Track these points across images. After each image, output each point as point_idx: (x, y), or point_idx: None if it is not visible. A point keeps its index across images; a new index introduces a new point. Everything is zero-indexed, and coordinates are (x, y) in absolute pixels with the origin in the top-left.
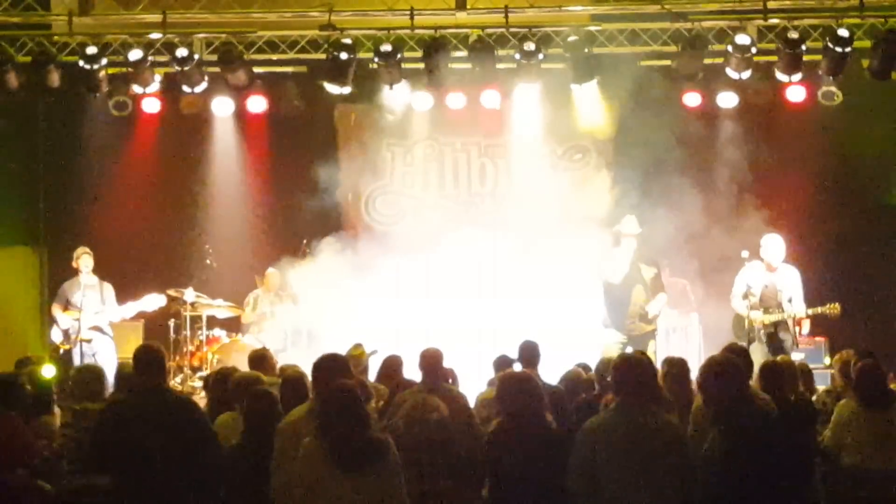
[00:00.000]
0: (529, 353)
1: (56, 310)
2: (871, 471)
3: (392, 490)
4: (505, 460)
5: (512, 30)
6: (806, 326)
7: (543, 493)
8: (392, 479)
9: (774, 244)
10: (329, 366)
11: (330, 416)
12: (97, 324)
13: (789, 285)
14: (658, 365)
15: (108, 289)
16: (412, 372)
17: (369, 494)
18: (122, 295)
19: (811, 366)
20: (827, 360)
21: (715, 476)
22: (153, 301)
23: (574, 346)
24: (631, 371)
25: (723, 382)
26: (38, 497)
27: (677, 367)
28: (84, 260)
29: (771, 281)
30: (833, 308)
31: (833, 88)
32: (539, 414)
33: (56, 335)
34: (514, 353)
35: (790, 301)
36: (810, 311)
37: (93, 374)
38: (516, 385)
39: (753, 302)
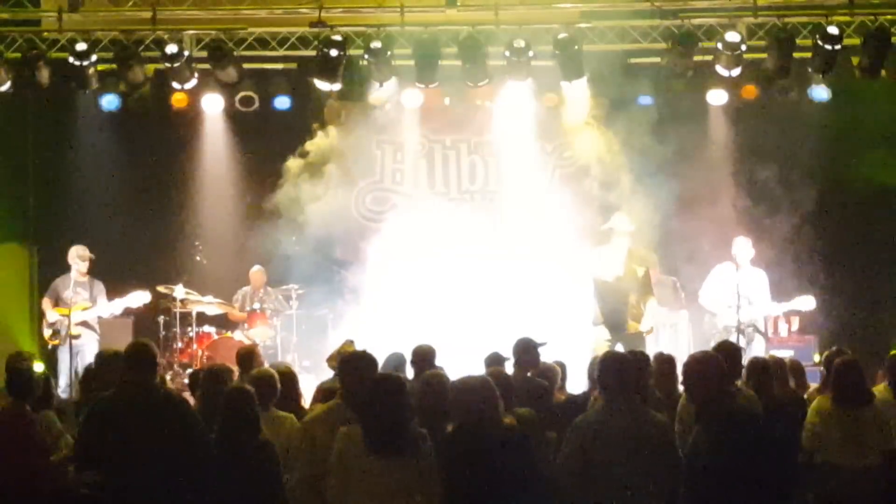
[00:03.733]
0: (523, 352)
1: (46, 304)
2: (843, 467)
3: (426, 479)
4: (458, 465)
5: (502, 27)
6: (795, 324)
7: (503, 494)
8: (427, 470)
9: (744, 245)
10: (358, 363)
11: (375, 402)
12: (85, 319)
13: (756, 286)
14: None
15: (99, 285)
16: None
17: (404, 479)
18: (112, 291)
19: (802, 363)
20: (817, 358)
21: (698, 472)
22: (138, 297)
23: (564, 343)
24: (615, 368)
25: (704, 379)
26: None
27: (665, 363)
28: (78, 257)
29: (741, 281)
30: (806, 301)
31: (823, 86)
32: (492, 416)
33: (46, 330)
34: (507, 349)
35: (757, 301)
36: (786, 308)
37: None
38: (464, 390)
39: (726, 301)
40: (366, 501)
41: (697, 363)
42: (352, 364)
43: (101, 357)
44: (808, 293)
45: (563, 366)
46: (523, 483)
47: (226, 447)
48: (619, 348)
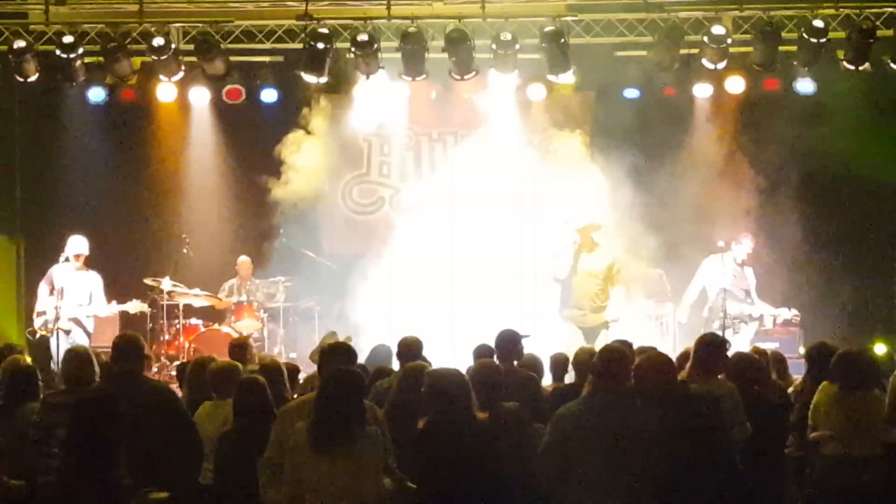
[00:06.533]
0: (507, 344)
1: (42, 289)
2: (847, 457)
3: (366, 468)
4: (433, 457)
5: (488, 20)
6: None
7: (474, 487)
8: (368, 458)
9: (748, 245)
10: (337, 355)
11: (322, 397)
12: (78, 316)
13: (749, 282)
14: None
15: (95, 279)
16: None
17: (343, 473)
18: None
19: (787, 355)
20: (802, 350)
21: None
22: (135, 306)
23: (539, 335)
24: (610, 361)
25: (654, 377)
26: None
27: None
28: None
29: (737, 276)
30: (795, 318)
31: (808, 79)
32: (466, 411)
33: (37, 320)
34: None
35: (749, 294)
36: (775, 315)
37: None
38: (439, 384)
39: (718, 295)
40: (312, 496)
41: (645, 365)
42: (331, 356)
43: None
44: (796, 284)
45: (564, 358)
46: (495, 477)
47: (239, 437)
48: (581, 340)
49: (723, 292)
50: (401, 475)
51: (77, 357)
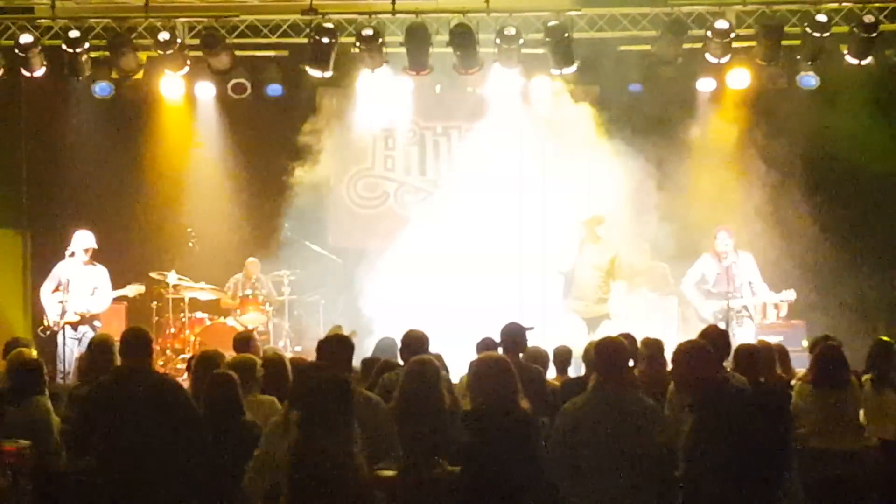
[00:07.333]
0: (511, 337)
1: (47, 289)
2: (827, 450)
3: (343, 451)
4: (478, 444)
5: (492, 14)
6: (784, 309)
7: (516, 477)
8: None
9: (725, 239)
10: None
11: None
12: (85, 309)
13: (746, 271)
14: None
15: (101, 274)
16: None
17: (325, 454)
18: None
19: (790, 349)
20: (805, 343)
21: (699, 459)
22: (133, 289)
23: (544, 328)
24: (608, 353)
25: (693, 368)
26: None
27: (652, 347)
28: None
29: (726, 269)
30: (788, 294)
31: (811, 73)
32: (512, 399)
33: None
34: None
35: (751, 284)
36: (769, 301)
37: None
38: (486, 370)
39: (710, 289)
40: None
41: (685, 353)
42: (328, 347)
43: (94, 344)
44: (800, 278)
45: (567, 351)
46: (535, 465)
47: (210, 427)
48: (584, 331)
49: (718, 287)
50: (439, 461)
51: (100, 347)
